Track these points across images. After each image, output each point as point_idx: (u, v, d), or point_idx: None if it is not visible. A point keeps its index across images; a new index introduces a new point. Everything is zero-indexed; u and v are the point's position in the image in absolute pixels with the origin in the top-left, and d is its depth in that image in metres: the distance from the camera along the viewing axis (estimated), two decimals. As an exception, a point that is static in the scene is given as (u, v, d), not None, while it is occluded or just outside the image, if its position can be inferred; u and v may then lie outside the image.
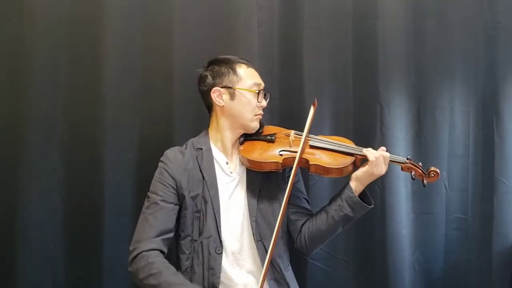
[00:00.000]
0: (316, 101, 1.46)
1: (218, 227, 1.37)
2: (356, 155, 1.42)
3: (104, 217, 1.72)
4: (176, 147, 1.46)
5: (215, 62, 1.47)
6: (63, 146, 1.73)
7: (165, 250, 1.35)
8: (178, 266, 1.39)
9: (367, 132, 1.85)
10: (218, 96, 1.43)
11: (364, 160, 1.41)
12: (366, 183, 1.40)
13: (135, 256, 1.30)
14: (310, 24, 1.84)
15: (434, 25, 1.91)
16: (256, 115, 1.45)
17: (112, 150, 1.74)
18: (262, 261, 1.36)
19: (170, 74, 1.77)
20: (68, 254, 1.74)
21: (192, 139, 1.48)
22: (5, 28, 1.71)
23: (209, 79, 1.44)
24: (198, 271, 1.37)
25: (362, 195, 1.41)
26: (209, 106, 1.48)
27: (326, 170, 1.39)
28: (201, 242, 1.37)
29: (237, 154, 1.47)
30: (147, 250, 1.29)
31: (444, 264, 1.93)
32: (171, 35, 1.77)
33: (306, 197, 1.55)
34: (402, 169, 1.46)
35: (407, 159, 1.44)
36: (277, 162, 1.39)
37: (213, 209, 1.37)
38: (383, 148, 1.42)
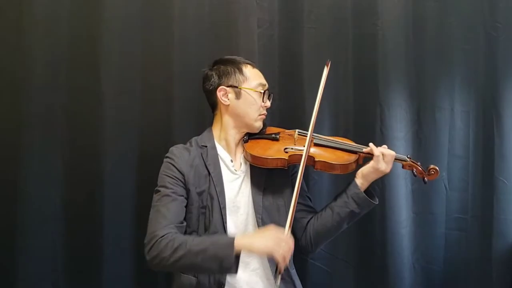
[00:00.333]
0: (329, 61, 1.48)
1: (224, 223, 1.37)
2: (360, 153, 1.44)
3: (104, 216, 1.72)
4: (181, 145, 1.47)
5: (221, 62, 1.48)
6: (63, 146, 1.73)
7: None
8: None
9: (367, 132, 1.85)
10: (224, 95, 1.44)
11: (366, 159, 1.43)
12: (371, 180, 1.41)
13: (153, 244, 1.27)
14: (310, 24, 1.84)
15: (434, 25, 1.91)
16: (260, 115, 1.47)
17: (112, 150, 1.74)
18: (268, 259, 1.38)
19: (170, 74, 1.77)
20: (68, 254, 1.73)
21: (195, 137, 1.48)
22: (5, 28, 1.71)
23: (215, 78, 1.46)
24: None
25: (367, 192, 1.42)
26: (214, 105, 1.49)
27: (331, 166, 1.41)
28: None
29: (241, 153, 1.48)
30: (163, 235, 1.27)
31: (444, 264, 1.93)
32: (171, 35, 1.77)
33: (309, 195, 1.57)
34: (403, 166, 1.48)
35: (408, 157, 1.47)
36: (283, 159, 1.41)
37: (219, 205, 1.38)
38: (385, 146, 1.43)
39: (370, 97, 1.87)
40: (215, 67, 1.48)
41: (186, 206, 1.38)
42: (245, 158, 1.46)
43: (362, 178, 1.41)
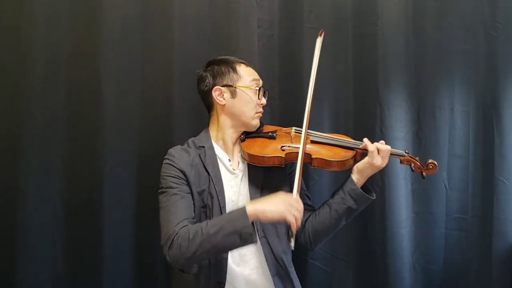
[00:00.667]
0: (323, 31, 1.47)
1: None
2: (357, 149, 1.45)
3: (104, 216, 1.72)
4: (178, 146, 1.46)
5: (215, 62, 1.49)
6: (63, 146, 1.73)
7: None
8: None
9: (367, 132, 1.84)
10: (219, 95, 1.44)
11: (364, 155, 1.43)
12: (367, 175, 1.42)
13: (171, 244, 1.26)
14: (310, 24, 1.84)
15: (434, 25, 1.91)
16: (257, 113, 1.47)
17: (112, 150, 1.73)
18: (267, 257, 1.39)
19: (170, 74, 1.77)
20: (68, 254, 1.73)
21: (191, 138, 1.48)
22: (5, 28, 1.70)
23: (209, 79, 1.46)
24: (204, 268, 1.37)
25: (364, 187, 1.42)
26: (210, 105, 1.49)
27: (328, 163, 1.41)
28: None
29: (238, 152, 1.48)
30: (177, 232, 1.26)
31: (444, 264, 1.93)
32: (171, 35, 1.77)
33: (308, 193, 1.57)
34: (401, 162, 1.48)
35: (406, 152, 1.47)
36: (280, 157, 1.41)
37: (219, 204, 1.38)
38: (382, 142, 1.43)
39: (370, 97, 1.87)
40: (209, 68, 1.48)
41: None
42: (243, 157, 1.46)
43: (358, 173, 1.41)
